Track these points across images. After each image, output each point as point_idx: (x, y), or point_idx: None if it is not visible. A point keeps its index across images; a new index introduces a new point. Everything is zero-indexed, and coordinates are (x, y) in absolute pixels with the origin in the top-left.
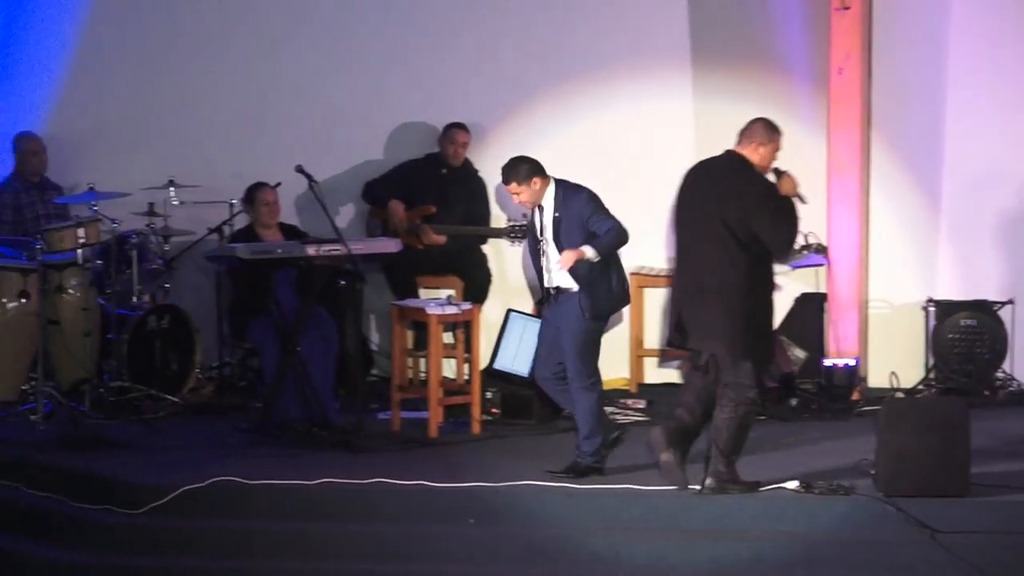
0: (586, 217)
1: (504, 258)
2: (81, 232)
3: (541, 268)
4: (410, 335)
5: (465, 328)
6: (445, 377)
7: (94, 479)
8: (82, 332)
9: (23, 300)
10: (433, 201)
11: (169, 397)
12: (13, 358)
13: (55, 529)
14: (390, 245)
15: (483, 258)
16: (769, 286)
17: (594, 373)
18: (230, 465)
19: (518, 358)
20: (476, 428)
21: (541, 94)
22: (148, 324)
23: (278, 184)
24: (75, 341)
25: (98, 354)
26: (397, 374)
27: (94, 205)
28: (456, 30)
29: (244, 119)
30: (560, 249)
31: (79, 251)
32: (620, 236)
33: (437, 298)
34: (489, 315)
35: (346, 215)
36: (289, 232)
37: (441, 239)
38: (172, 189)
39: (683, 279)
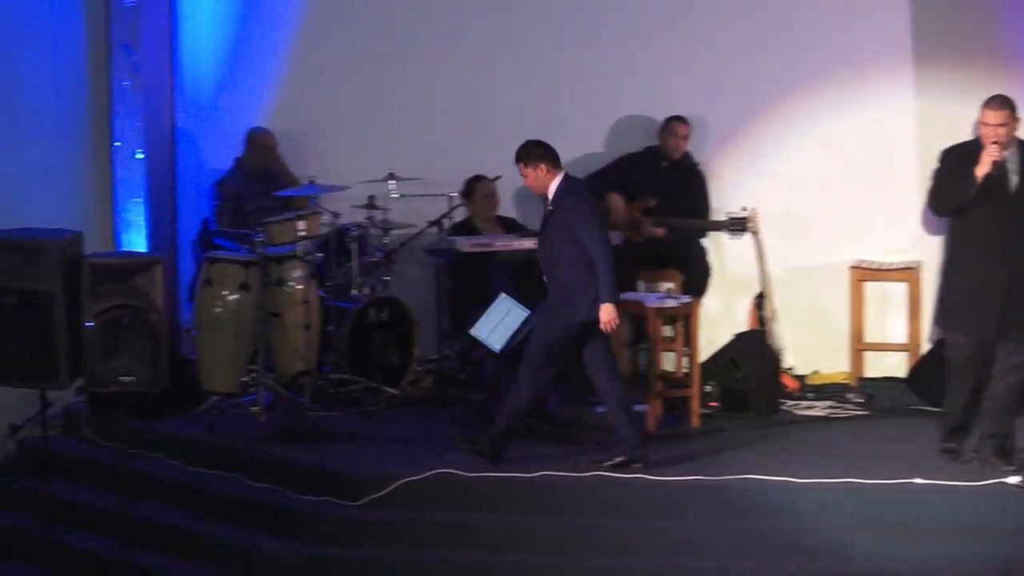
0: (573, 220)
1: (723, 252)
2: (301, 225)
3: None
4: (629, 328)
5: (684, 322)
6: (664, 371)
7: (314, 471)
8: (302, 325)
9: (244, 292)
10: (653, 194)
11: (389, 389)
12: (234, 351)
13: (275, 521)
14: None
15: (703, 252)
16: None
17: (535, 368)
18: (449, 458)
19: (493, 334)
20: (695, 421)
21: (761, 90)
22: (368, 316)
23: (497, 177)
24: (295, 334)
25: (318, 346)
26: (623, 362)
27: (314, 198)
28: (679, 27)
29: (464, 113)
30: (543, 243)
31: (299, 244)
32: (609, 259)
33: (656, 291)
34: (709, 309)
35: None
36: (507, 225)
37: (660, 232)
38: (392, 182)
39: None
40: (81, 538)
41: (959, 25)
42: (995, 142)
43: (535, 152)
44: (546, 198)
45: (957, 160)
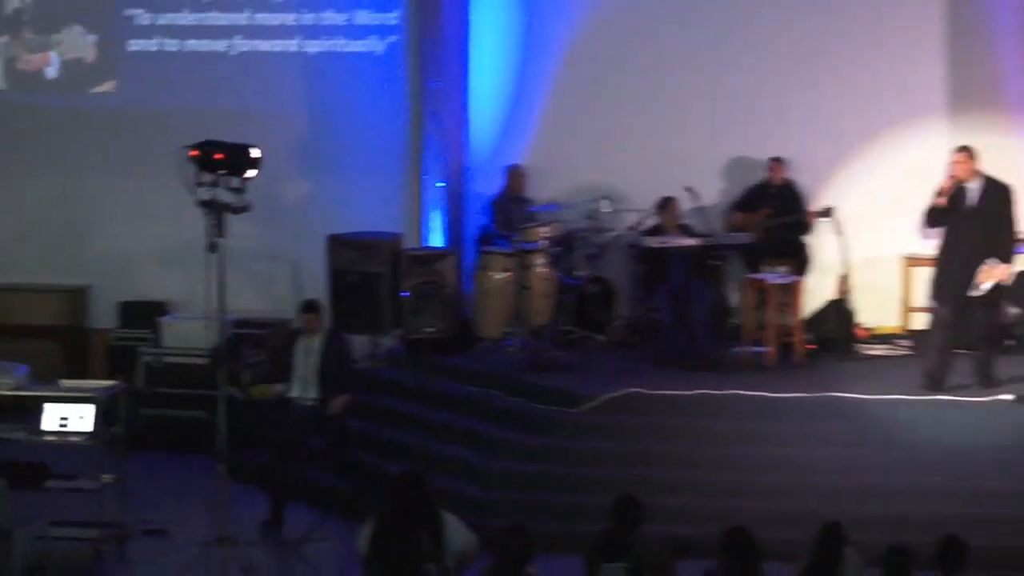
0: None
1: (820, 245)
2: (544, 230)
3: None
4: (757, 295)
5: (791, 291)
6: (780, 324)
7: (549, 389)
8: (543, 294)
9: (506, 273)
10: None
11: (598, 336)
12: (499, 310)
13: (524, 422)
14: (743, 238)
15: (804, 246)
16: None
17: None
18: (638, 381)
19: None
20: (798, 358)
21: (843, 131)
22: (587, 289)
23: (689, 192)
24: (539, 300)
25: (555, 308)
26: (748, 322)
27: (554, 212)
28: (776, 83)
29: (656, 149)
30: None
31: (542, 242)
32: None
33: (776, 272)
34: (809, 284)
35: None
36: (685, 230)
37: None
38: (604, 201)
39: None
40: (397, 434)
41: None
42: (951, 175)
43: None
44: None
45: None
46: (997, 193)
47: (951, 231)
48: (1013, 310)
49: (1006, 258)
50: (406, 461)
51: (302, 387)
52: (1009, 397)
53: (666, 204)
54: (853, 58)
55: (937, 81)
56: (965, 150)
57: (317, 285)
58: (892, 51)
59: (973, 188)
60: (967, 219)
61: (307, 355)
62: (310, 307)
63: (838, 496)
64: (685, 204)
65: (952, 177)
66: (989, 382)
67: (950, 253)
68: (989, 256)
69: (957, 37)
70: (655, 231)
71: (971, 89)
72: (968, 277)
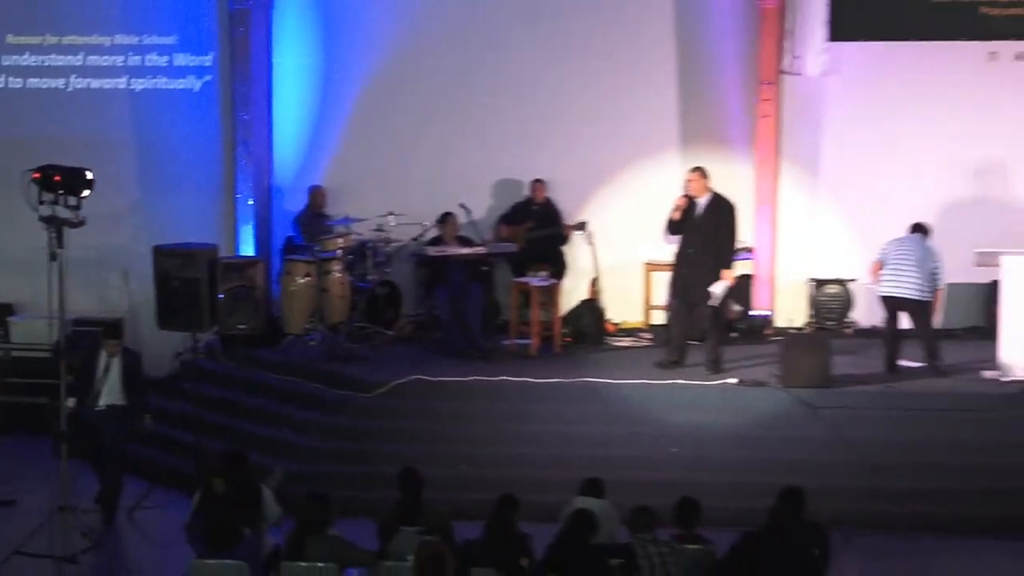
0: None
1: (574, 254)
2: (340, 241)
3: None
4: (522, 296)
5: (551, 292)
6: (541, 319)
7: (344, 375)
8: (339, 296)
9: (307, 278)
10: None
11: (387, 332)
12: (301, 310)
13: (324, 406)
14: (510, 247)
15: (562, 254)
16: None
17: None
18: (421, 369)
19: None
20: (557, 349)
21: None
22: (377, 291)
23: (463, 208)
24: (336, 301)
25: (349, 308)
26: (514, 319)
27: (348, 225)
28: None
29: (435, 171)
30: None
31: (338, 251)
32: None
33: (537, 276)
34: (566, 286)
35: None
36: (461, 240)
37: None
38: (391, 216)
39: None
40: (215, 416)
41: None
42: (685, 192)
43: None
44: None
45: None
46: (721, 207)
47: (684, 240)
48: (736, 307)
49: (727, 264)
50: (227, 441)
51: (110, 394)
52: (733, 381)
53: (445, 219)
54: (602, 96)
55: (671, 118)
56: (698, 170)
57: (144, 289)
58: (635, 92)
59: (702, 203)
60: (696, 229)
61: (108, 369)
62: (114, 333)
63: (593, 465)
64: (461, 218)
65: (685, 195)
66: (717, 368)
67: (683, 258)
68: (715, 261)
69: (687, 82)
70: (436, 241)
71: (699, 125)
72: (697, 278)
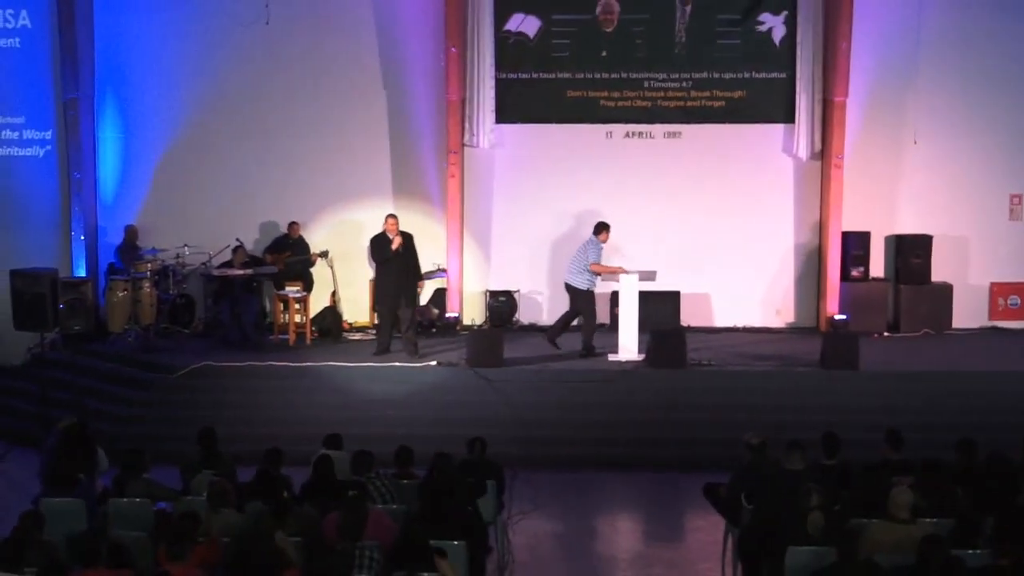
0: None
1: (322, 273)
2: (149, 264)
3: None
4: (282, 304)
5: (303, 301)
6: (296, 322)
7: (153, 362)
8: (149, 304)
9: (124, 292)
10: (288, 251)
11: (184, 330)
12: (121, 315)
13: (138, 384)
14: (272, 269)
15: (311, 273)
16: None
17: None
18: (210, 357)
19: None
20: (308, 342)
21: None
22: (177, 301)
23: (239, 245)
24: (146, 308)
25: (156, 313)
26: (277, 320)
27: (154, 255)
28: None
29: (219, 213)
30: None
31: (148, 271)
32: None
33: (293, 289)
34: (316, 296)
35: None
36: (246, 264)
37: (281, 266)
38: (186, 246)
39: None
40: (58, 394)
41: None
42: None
43: None
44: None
45: (377, 240)
46: (408, 241)
47: (389, 264)
48: (435, 310)
49: (416, 280)
50: (68, 411)
51: None
52: (433, 363)
53: (236, 249)
54: (335, 160)
55: (386, 175)
56: (393, 216)
57: (3, 300)
58: (358, 157)
59: (397, 239)
60: (395, 258)
61: None
62: None
63: (335, 427)
64: (248, 247)
65: (392, 233)
66: (415, 350)
67: (387, 277)
68: (407, 279)
69: (397, 149)
70: (227, 265)
71: (406, 180)
72: (398, 290)
